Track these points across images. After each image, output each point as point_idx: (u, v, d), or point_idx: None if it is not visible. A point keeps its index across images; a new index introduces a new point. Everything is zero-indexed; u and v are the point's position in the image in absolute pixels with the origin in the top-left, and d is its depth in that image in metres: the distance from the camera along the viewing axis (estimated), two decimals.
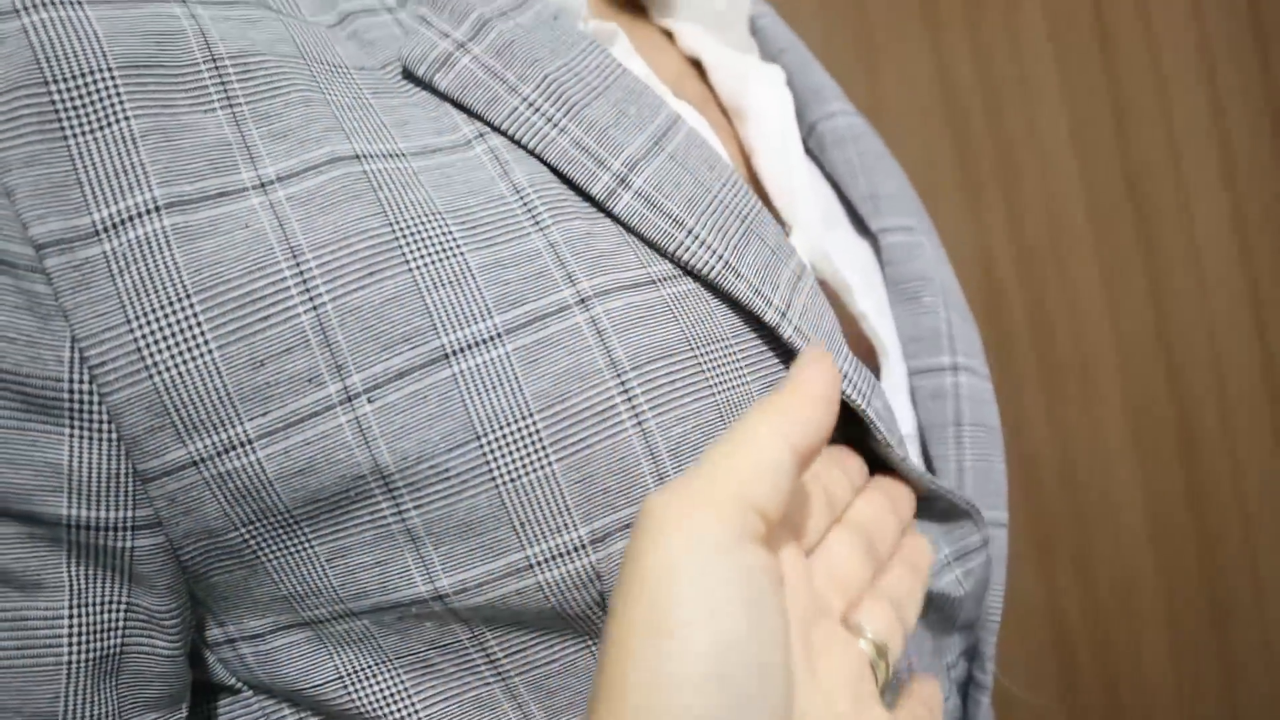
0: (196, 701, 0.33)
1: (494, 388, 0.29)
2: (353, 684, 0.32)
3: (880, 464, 0.36)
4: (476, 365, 0.29)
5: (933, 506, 0.37)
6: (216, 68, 0.29)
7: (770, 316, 0.32)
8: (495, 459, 0.29)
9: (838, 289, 0.39)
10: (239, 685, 0.33)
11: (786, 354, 0.33)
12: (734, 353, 0.32)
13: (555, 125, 0.32)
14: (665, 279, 0.32)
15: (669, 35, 0.46)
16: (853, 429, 0.34)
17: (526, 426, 0.29)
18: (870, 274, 0.43)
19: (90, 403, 0.28)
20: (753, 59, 0.44)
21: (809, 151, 0.47)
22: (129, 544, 0.29)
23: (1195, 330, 1.38)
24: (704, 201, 0.33)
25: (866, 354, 0.40)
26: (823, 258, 0.38)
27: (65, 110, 0.27)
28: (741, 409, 0.31)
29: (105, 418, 0.28)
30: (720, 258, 0.32)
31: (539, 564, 0.30)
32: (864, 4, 1.40)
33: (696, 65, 0.45)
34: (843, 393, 0.32)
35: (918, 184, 0.50)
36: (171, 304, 0.28)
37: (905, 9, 1.56)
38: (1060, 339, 1.53)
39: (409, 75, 0.33)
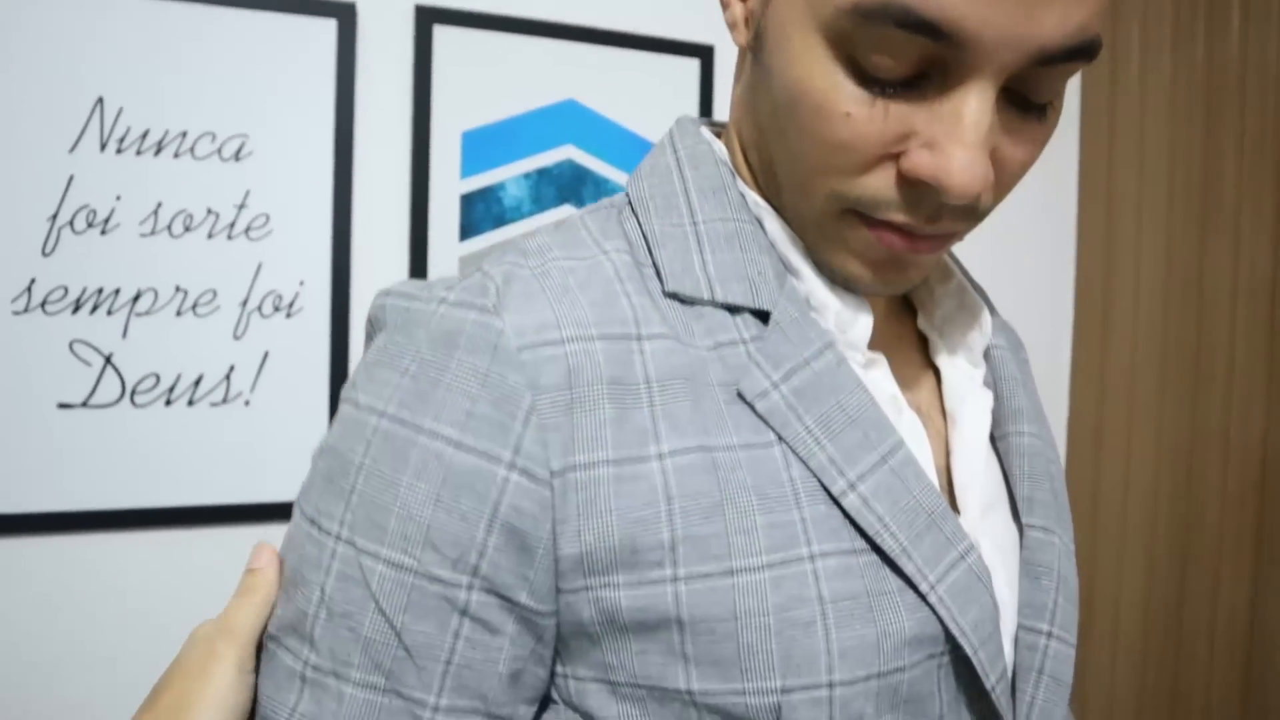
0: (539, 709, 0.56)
1: (753, 594, 0.49)
2: None
3: (981, 688, 0.54)
4: (748, 580, 0.49)
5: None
6: (649, 386, 0.50)
7: (923, 587, 0.51)
8: (743, 632, 0.49)
9: (985, 566, 0.56)
10: (558, 700, 0.54)
11: (932, 609, 0.51)
12: (895, 603, 0.51)
13: (819, 444, 0.52)
14: (863, 551, 0.51)
15: (924, 340, 0.66)
16: (966, 668, 0.53)
17: (764, 619, 0.49)
18: (1010, 552, 0.60)
19: (551, 551, 0.49)
20: (975, 379, 0.62)
21: (999, 451, 0.64)
22: (543, 621, 0.51)
23: None
24: (904, 500, 0.52)
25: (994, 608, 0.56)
26: (975, 542, 0.56)
27: (578, 401, 0.49)
28: (893, 637, 0.50)
29: (554, 559, 0.49)
30: (900, 545, 0.51)
31: (749, 693, 0.49)
32: None
33: (937, 372, 0.64)
34: (963, 643, 0.51)
35: None
36: (601, 511, 0.49)
37: None
38: None
39: (742, 397, 0.52)
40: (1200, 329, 1.69)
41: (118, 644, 1.31)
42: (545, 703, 0.55)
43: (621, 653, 0.50)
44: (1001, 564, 0.58)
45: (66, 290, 1.26)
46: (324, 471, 0.51)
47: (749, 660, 0.49)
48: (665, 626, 0.49)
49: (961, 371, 0.62)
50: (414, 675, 0.49)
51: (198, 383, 1.32)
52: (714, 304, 0.54)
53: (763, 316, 0.54)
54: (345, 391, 0.53)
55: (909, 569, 0.51)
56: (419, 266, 1.41)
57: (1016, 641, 0.57)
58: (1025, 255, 1.79)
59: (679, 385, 0.51)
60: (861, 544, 0.51)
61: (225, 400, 1.33)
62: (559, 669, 0.53)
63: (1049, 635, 0.56)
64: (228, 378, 1.33)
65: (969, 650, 0.51)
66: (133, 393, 1.29)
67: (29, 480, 1.26)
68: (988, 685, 0.52)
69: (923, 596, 0.51)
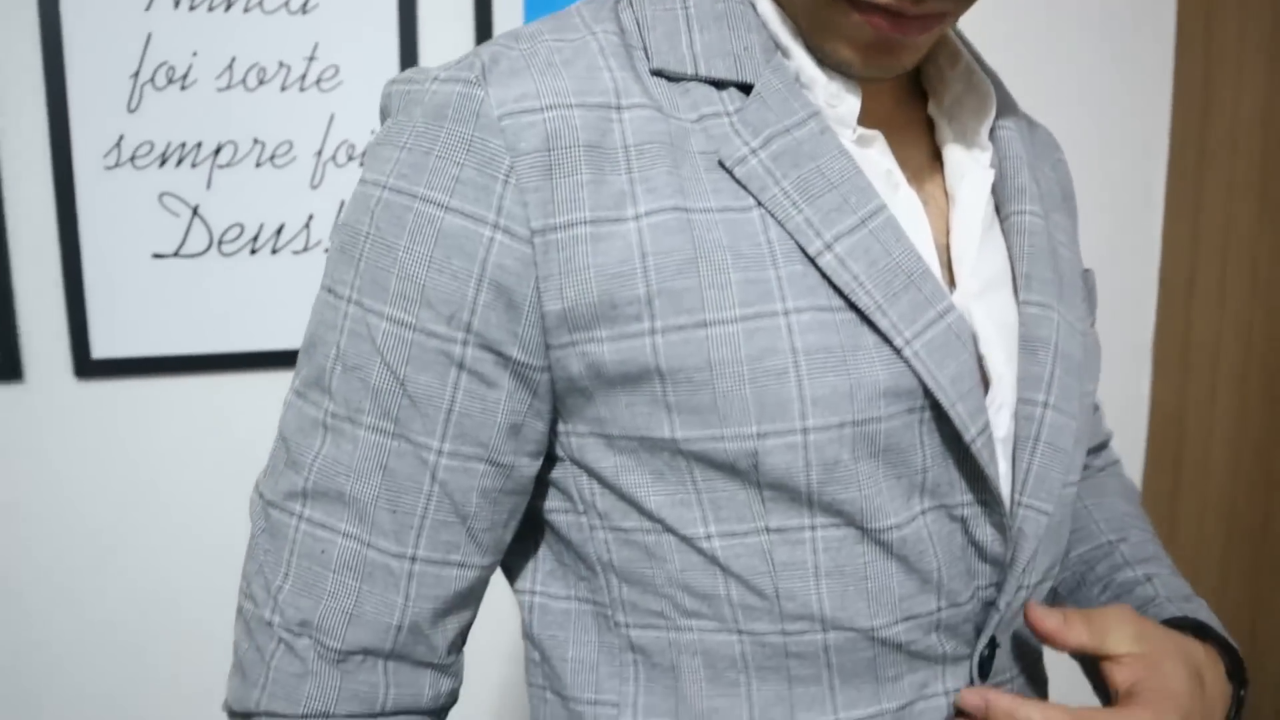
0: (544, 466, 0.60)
1: (726, 344, 0.51)
2: (619, 471, 0.56)
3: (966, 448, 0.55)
4: (721, 331, 0.51)
5: (986, 485, 0.56)
6: (626, 151, 0.52)
7: (898, 342, 0.53)
8: (718, 381, 0.51)
9: (974, 335, 0.57)
10: (563, 456, 0.58)
11: (907, 363, 0.53)
12: (870, 357, 0.52)
13: (796, 206, 0.53)
14: (839, 309, 0.53)
15: (932, 124, 0.65)
16: (948, 425, 0.54)
17: (738, 369, 0.51)
18: (1010, 330, 0.60)
19: (536, 307, 0.52)
20: (980, 160, 0.62)
21: (1005, 232, 0.63)
22: (536, 375, 0.54)
23: None
24: (882, 261, 0.53)
25: (983, 380, 0.58)
26: (966, 312, 0.58)
27: (556, 165, 0.51)
28: (866, 388, 0.52)
29: (540, 315, 0.52)
30: (875, 302, 0.52)
31: (727, 438, 0.52)
32: None
33: (940, 155, 0.64)
34: (939, 395, 0.53)
35: None
36: (580, 268, 0.51)
37: None
38: None
39: (721, 164, 0.53)
40: None
41: (214, 479, 1.41)
42: (553, 461, 0.58)
43: (612, 406, 0.54)
44: (1001, 341, 0.59)
45: (152, 145, 1.32)
46: (338, 245, 0.55)
47: (726, 407, 0.52)
48: (647, 378, 0.52)
49: (966, 152, 0.62)
50: (419, 422, 0.53)
51: (279, 232, 1.37)
52: (698, 79, 0.55)
53: (747, 90, 0.56)
54: (360, 176, 0.56)
55: (884, 325, 0.52)
56: None
57: (1016, 415, 0.58)
58: (1118, 117, 1.72)
59: (657, 149, 0.53)
60: (839, 302, 0.53)
61: (306, 248, 1.39)
62: (560, 427, 0.57)
63: (1045, 405, 0.58)
64: (307, 226, 1.38)
65: (945, 403, 0.53)
66: (220, 242, 1.36)
67: (129, 326, 1.35)
68: (967, 438, 0.54)
69: (898, 351, 0.53)
